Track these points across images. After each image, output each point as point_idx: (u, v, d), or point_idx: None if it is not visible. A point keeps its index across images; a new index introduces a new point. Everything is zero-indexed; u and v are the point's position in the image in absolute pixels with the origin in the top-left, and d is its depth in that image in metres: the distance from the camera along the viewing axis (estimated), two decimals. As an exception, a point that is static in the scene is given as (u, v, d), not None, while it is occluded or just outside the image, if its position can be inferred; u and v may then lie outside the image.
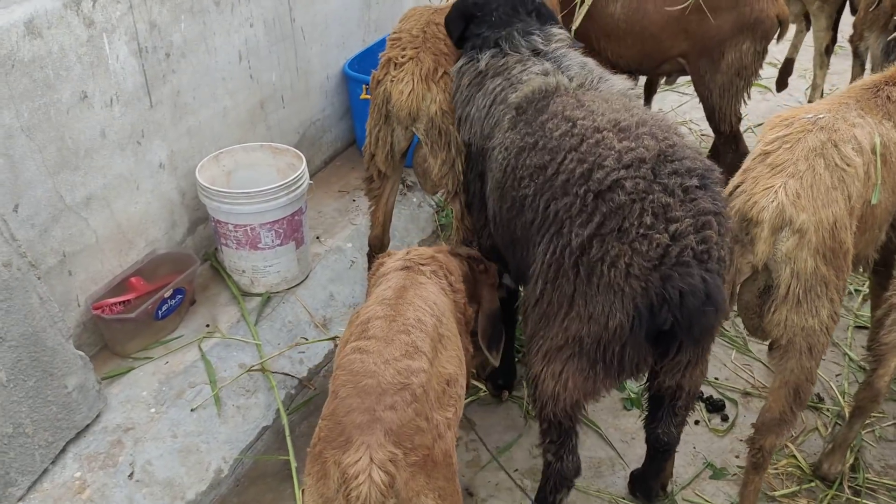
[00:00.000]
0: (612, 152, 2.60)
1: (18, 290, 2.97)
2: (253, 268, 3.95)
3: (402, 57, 3.46)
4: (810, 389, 2.83)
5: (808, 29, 6.03)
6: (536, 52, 3.27)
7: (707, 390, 3.74)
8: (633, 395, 3.70)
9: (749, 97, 4.61)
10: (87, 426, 3.28)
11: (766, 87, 6.39)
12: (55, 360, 3.11)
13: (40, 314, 3.06)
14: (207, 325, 3.83)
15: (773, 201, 2.60)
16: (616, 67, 4.45)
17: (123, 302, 3.61)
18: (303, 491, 2.37)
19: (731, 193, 2.77)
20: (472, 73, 3.32)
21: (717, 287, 2.46)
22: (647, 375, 2.90)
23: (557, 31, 3.39)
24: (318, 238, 4.42)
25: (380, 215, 3.85)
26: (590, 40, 4.50)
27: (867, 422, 3.51)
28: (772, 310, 2.69)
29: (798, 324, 2.66)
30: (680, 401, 2.96)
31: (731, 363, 3.91)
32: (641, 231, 2.47)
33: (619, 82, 3.15)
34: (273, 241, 3.89)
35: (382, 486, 2.13)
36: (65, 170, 3.35)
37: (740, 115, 4.65)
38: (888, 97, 3.03)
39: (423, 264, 2.88)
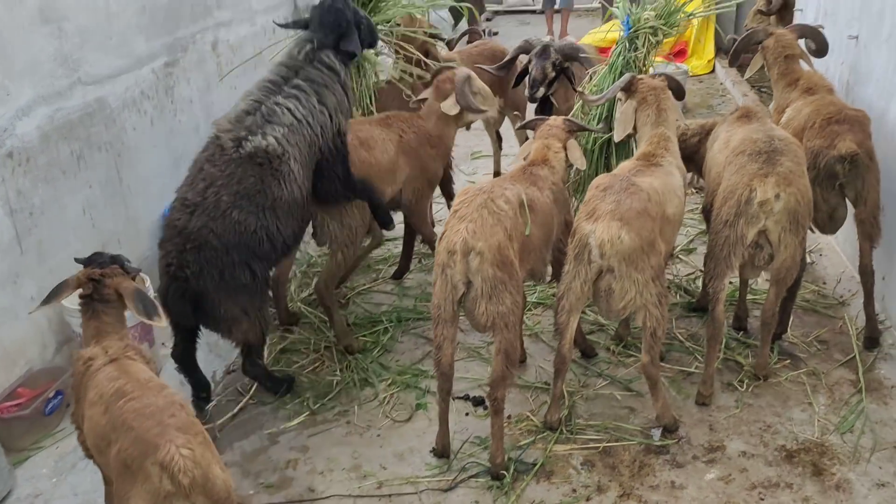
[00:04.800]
0: None
1: (-55, 393, 3.97)
2: (116, 367, 5.02)
3: None
4: (516, 354, 4.30)
5: (501, 149, 8.45)
6: None
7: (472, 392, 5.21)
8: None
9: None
10: (3, 498, 4.19)
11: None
12: (-24, 447, 4.08)
13: (-39, 412, 4.05)
14: (85, 417, 4.84)
15: (461, 237, 4.17)
16: None
17: (17, 405, 4.60)
18: None
19: (440, 240, 4.33)
20: None
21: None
22: None
23: None
24: (163, 344, 5.56)
25: None
26: None
27: (577, 391, 5.11)
28: (478, 305, 4.22)
29: (493, 310, 4.18)
30: None
31: (485, 373, 5.41)
32: None
33: None
34: (130, 344, 5.01)
35: None
36: (-37, 303, 4.40)
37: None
38: (531, 173, 4.80)
39: None
